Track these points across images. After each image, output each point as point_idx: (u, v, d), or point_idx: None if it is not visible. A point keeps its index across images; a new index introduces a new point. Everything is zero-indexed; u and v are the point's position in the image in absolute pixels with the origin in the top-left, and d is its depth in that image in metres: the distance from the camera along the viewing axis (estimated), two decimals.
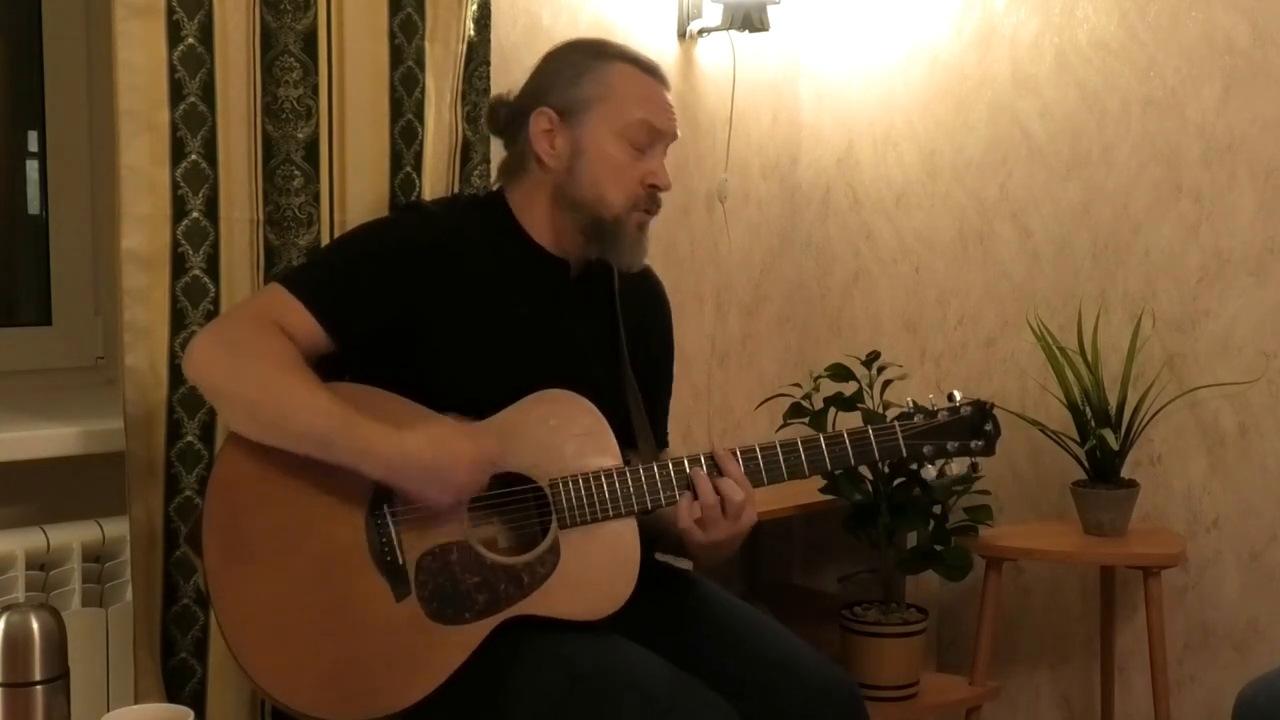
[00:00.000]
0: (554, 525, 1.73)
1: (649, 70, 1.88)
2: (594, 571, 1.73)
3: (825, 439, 1.82)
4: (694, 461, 1.79)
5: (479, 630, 1.66)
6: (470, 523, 1.72)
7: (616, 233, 1.84)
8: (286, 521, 1.63)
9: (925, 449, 1.83)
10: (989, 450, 1.86)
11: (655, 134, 1.85)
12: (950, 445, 1.84)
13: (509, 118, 1.91)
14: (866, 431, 1.83)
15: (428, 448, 1.64)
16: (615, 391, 1.89)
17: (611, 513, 1.75)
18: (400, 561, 1.66)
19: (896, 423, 1.85)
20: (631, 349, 1.93)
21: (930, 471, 1.84)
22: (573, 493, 1.74)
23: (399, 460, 1.63)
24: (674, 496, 1.77)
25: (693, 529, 1.76)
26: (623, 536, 1.75)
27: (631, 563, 1.74)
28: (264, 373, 1.65)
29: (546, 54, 1.93)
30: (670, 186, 1.87)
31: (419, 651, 1.64)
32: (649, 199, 1.85)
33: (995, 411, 1.88)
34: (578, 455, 1.77)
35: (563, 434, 1.77)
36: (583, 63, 1.87)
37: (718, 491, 1.75)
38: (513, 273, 1.84)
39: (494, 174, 2.24)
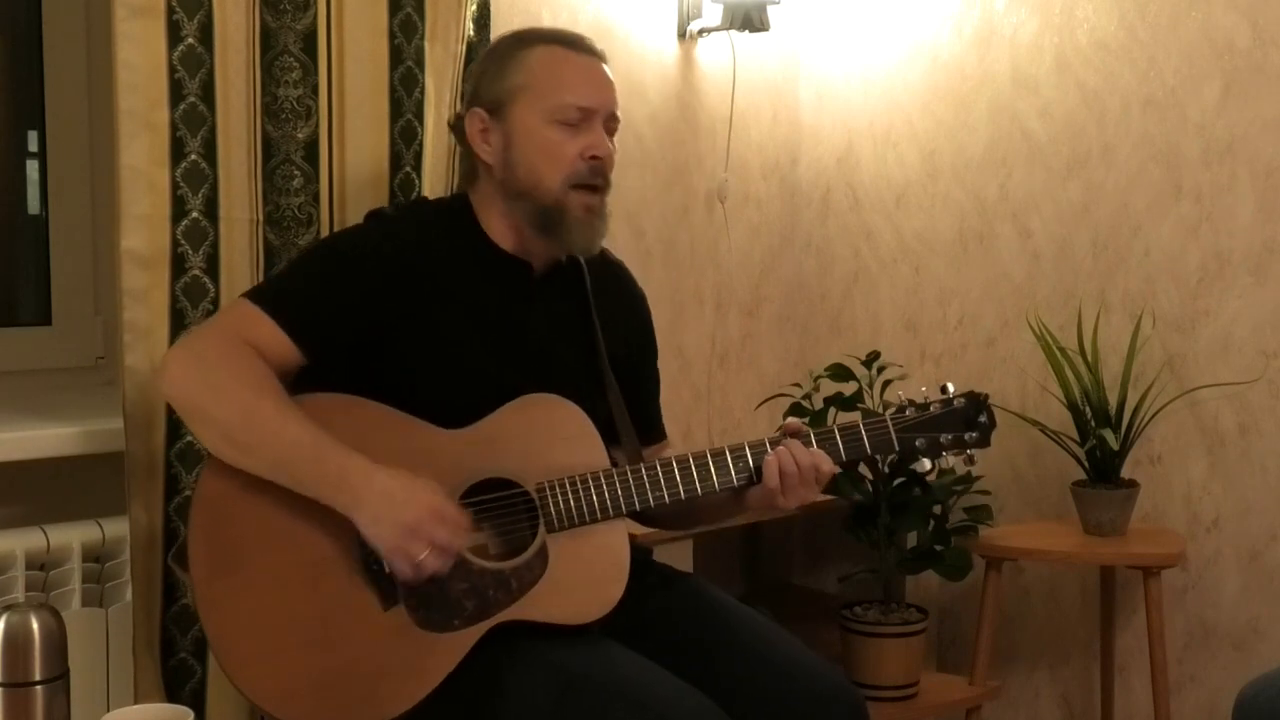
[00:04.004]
0: (541, 529, 1.72)
1: (572, 45, 1.85)
2: (583, 575, 1.72)
3: (816, 435, 1.81)
4: (680, 460, 1.78)
5: (468, 637, 1.66)
6: None
7: (560, 217, 1.81)
8: (272, 534, 1.63)
9: (918, 442, 1.81)
10: (984, 442, 1.83)
11: (583, 112, 1.81)
12: (944, 438, 1.82)
13: (459, 126, 1.91)
14: (857, 426, 1.81)
15: (394, 483, 1.62)
16: (594, 387, 1.88)
17: (600, 515, 1.74)
18: (387, 570, 1.65)
19: (888, 416, 1.83)
20: (609, 344, 1.91)
21: (925, 465, 1.82)
22: (560, 497, 1.73)
23: (362, 491, 1.61)
24: (663, 498, 1.76)
25: (776, 491, 1.77)
26: (612, 539, 1.75)
27: (621, 566, 1.73)
28: (239, 396, 1.64)
29: (481, 54, 1.92)
30: (610, 155, 1.83)
31: (409, 660, 1.64)
32: (590, 172, 1.81)
33: (991, 404, 1.85)
34: (565, 459, 1.76)
35: (549, 438, 1.76)
36: (506, 54, 1.86)
37: (796, 462, 1.76)
38: (478, 276, 1.83)
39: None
